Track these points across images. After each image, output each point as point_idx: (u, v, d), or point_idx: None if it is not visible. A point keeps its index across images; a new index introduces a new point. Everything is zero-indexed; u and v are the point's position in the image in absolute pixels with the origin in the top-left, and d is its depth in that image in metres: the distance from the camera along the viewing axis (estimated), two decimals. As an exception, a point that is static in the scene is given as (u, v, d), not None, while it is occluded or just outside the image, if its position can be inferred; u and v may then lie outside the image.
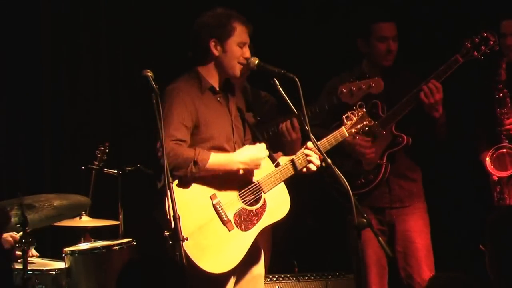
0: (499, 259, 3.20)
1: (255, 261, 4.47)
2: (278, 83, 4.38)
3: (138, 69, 4.27)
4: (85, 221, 5.56)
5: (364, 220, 3.96)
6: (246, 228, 4.30)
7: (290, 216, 4.46)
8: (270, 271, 5.51)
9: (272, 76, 4.40)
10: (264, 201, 4.36)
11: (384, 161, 5.10)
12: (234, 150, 4.39)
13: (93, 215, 5.65)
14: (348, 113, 4.58)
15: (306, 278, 5.58)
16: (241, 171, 4.29)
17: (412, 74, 5.17)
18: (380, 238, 4.07)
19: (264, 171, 4.39)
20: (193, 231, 4.12)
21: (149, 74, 4.14)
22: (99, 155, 5.91)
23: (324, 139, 4.50)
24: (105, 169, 5.94)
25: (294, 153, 4.61)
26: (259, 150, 4.33)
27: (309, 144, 4.44)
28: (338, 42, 6.00)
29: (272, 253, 5.74)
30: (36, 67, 6.37)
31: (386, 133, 5.09)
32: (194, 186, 4.25)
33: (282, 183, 4.42)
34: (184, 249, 3.93)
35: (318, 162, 4.43)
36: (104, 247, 5.24)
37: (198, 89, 4.38)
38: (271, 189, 4.38)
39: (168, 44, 6.16)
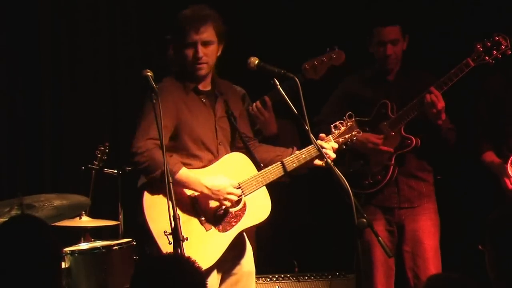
0: (499, 259, 3.20)
1: (245, 259, 4.49)
2: (278, 83, 4.39)
3: (138, 69, 4.28)
4: (85, 221, 5.56)
5: (364, 220, 3.95)
6: (224, 229, 4.32)
7: (291, 215, 4.46)
8: (270, 271, 5.52)
9: (272, 76, 4.40)
10: (244, 204, 4.37)
11: (392, 162, 5.09)
12: (218, 151, 4.42)
13: (93, 215, 5.65)
14: (337, 123, 4.56)
15: (306, 278, 5.57)
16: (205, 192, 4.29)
17: (429, 74, 5.11)
18: (380, 238, 4.07)
19: (246, 174, 4.40)
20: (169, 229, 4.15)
21: (149, 74, 4.16)
22: (99, 155, 5.91)
23: (310, 146, 4.46)
24: (105, 169, 5.94)
25: (271, 133, 4.79)
26: (228, 187, 4.29)
27: (322, 135, 4.49)
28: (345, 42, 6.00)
29: (272, 253, 5.75)
30: (36, 67, 6.36)
31: (395, 134, 5.07)
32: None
33: (264, 187, 4.42)
34: (159, 247, 4.10)
35: (333, 155, 4.44)
36: (104, 247, 5.24)
37: (182, 89, 4.42)
38: (252, 192, 4.38)
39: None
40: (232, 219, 4.34)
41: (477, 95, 5.26)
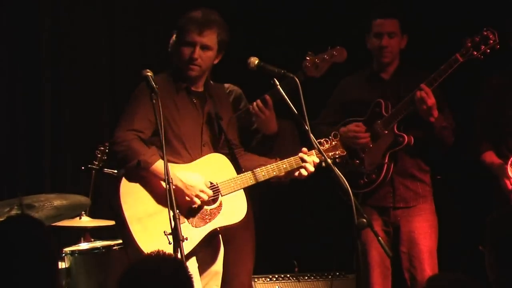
0: (499, 260, 3.19)
1: (215, 258, 4.52)
2: (278, 83, 4.39)
3: (138, 69, 4.28)
4: (85, 221, 5.56)
5: (364, 220, 3.95)
6: (197, 225, 4.35)
7: (291, 215, 4.46)
8: (270, 271, 5.52)
9: (272, 76, 4.40)
10: (221, 203, 4.41)
11: (386, 160, 5.08)
12: (201, 152, 4.44)
13: (93, 215, 5.65)
14: (322, 139, 4.54)
15: (306, 278, 5.58)
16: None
17: (428, 74, 5.06)
18: (380, 238, 4.08)
19: (226, 176, 4.43)
20: (143, 217, 4.23)
21: (149, 74, 4.18)
22: (99, 155, 5.90)
23: (291, 158, 4.49)
24: (105, 169, 5.93)
25: (271, 132, 4.77)
26: (201, 185, 4.31)
27: (304, 149, 4.48)
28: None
29: (272, 253, 5.74)
30: (36, 67, 6.37)
31: (388, 132, 5.07)
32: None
33: (242, 190, 4.45)
34: (131, 232, 4.19)
35: (312, 169, 4.46)
36: (104, 247, 5.25)
37: (173, 87, 4.45)
38: (229, 193, 4.41)
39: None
40: (206, 216, 4.38)
41: (477, 95, 5.26)
